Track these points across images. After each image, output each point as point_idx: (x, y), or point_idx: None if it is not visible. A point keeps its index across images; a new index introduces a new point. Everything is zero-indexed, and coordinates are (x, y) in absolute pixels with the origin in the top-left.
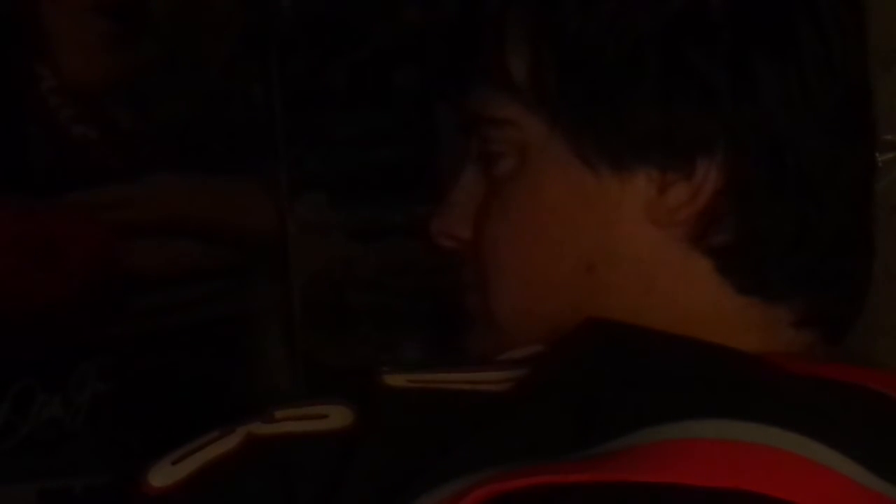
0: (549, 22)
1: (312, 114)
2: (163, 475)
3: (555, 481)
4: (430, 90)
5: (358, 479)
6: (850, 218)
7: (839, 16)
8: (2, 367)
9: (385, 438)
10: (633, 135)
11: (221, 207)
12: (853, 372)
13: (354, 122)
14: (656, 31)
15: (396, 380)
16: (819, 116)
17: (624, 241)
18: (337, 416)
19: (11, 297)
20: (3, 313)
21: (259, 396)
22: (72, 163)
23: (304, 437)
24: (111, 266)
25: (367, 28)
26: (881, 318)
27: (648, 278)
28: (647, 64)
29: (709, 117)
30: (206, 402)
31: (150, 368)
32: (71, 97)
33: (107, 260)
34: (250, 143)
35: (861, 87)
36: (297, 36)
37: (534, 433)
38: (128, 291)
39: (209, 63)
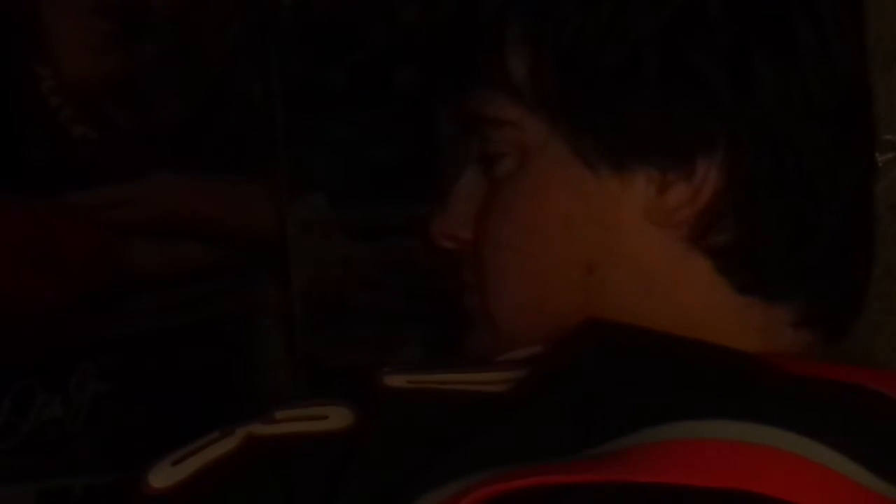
0: (549, 22)
1: (312, 114)
2: (163, 476)
3: (555, 481)
4: (430, 90)
5: (358, 479)
6: (849, 218)
7: (838, 15)
8: (2, 367)
9: (385, 439)
10: (632, 135)
11: (221, 207)
12: (853, 372)
13: (354, 122)
14: (655, 31)
15: (396, 380)
16: (819, 116)
17: (624, 241)
18: (337, 417)
19: (12, 297)
20: (4, 314)
21: (259, 396)
22: (72, 163)
23: (304, 438)
24: (111, 266)
25: (367, 28)
26: (881, 317)
27: (648, 279)
28: (646, 64)
29: (708, 117)
30: (206, 401)
31: (150, 368)
32: (71, 97)
33: (107, 260)
34: (250, 143)
35: (861, 87)
36: (297, 36)
37: (534, 433)
38: (128, 291)
39: (209, 63)
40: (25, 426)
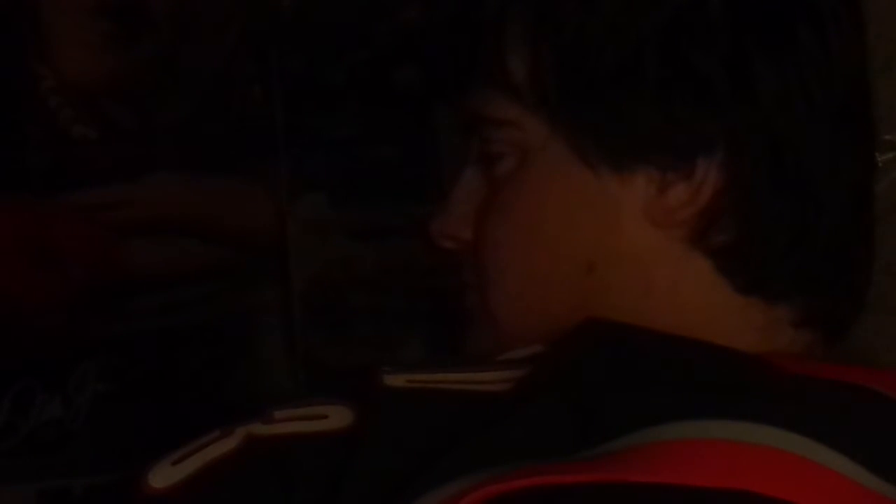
0: (549, 22)
1: (312, 114)
2: (163, 476)
3: (554, 482)
4: (430, 90)
5: (357, 479)
6: (849, 217)
7: (838, 16)
8: (2, 367)
9: (384, 439)
10: (632, 135)
11: (221, 207)
12: (853, 372)
13: (354, 122)
14: (655, 31)
15: (396, 380)
16: (818, 116)
17: (624, 241)
18: (337, 417)
19: (12, 297)
20: (4, 313)
21: (259, 396)
22: (72, 163)
23: (303, 438)
24: (111, 266)
25: (367, 28)
26: (881, 317)
27: (648, 278)
28: (646, 64)
29: (708, 117)
30: (206, 401)
31: (150, 368)
32: (71, 97)
33: (107, 260)
34: (250, 143)
35: (861, 88)
36: (297, 36)
37: (533, 433)
38: (128, 291)
39: (209, 63)
40: (25, 426)
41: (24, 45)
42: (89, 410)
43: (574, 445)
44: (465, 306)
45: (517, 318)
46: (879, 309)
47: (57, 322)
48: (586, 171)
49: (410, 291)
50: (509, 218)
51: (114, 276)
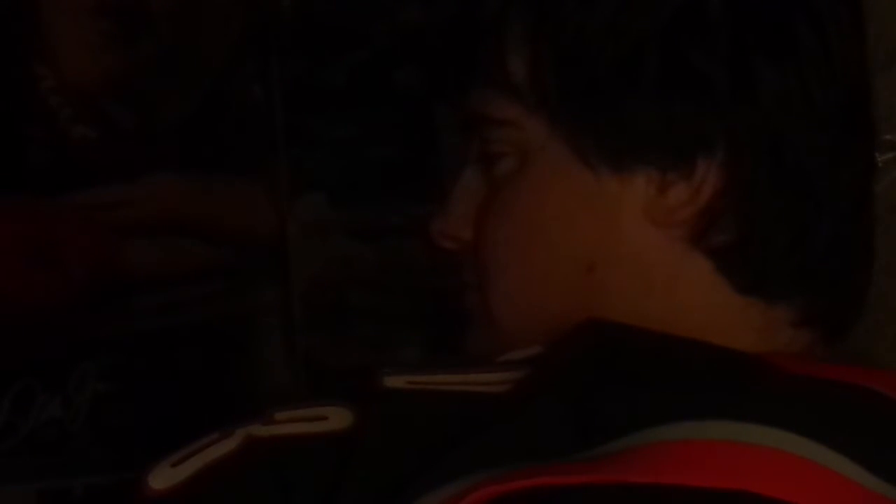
0: (549, 22)
1: (312, 114)
2: (163, 477)
3: (554, 482)
4: (430, 90)
5: (357, 480)
6: (849, 218)
7: (838, 16)
8: (2, 367)
9: (384, 440)
10: (632, 135)
11: (221, 207)
12: (853, 372)
13: (354, 122)
14: (655, 31)
15: (396, 381)
16: (818, 116)
17: (624, 241)
18: (336, 418)
19: (11, 297)
20: (3, 313)
21: (259, 396)
22: (72, 163)
23: (303, 439)
24: (111, 266)
25: (367, 28)
26: (880, 316)
27: (648, 278)
28: (646, 64)
29: (708, 117)
30: (206, 401)
31: (150, 368)
32: (71, 97)
33: (107, 260)
34: (250, 143)
35: (861, 87)
36: (297, 36)
37: (533, 434)
38: (128, 291)
39: (209, 63)
40: (25, 426)
41: (24, 45)
42: (89, 410)
43: (574, 446)
44: (465, 306)
45: (517, 318)
46: (879, 309)
47: (57, 322)
48: (586, 171)
49: (411, 291)
50: (509, 218)
51: (114, 276)
